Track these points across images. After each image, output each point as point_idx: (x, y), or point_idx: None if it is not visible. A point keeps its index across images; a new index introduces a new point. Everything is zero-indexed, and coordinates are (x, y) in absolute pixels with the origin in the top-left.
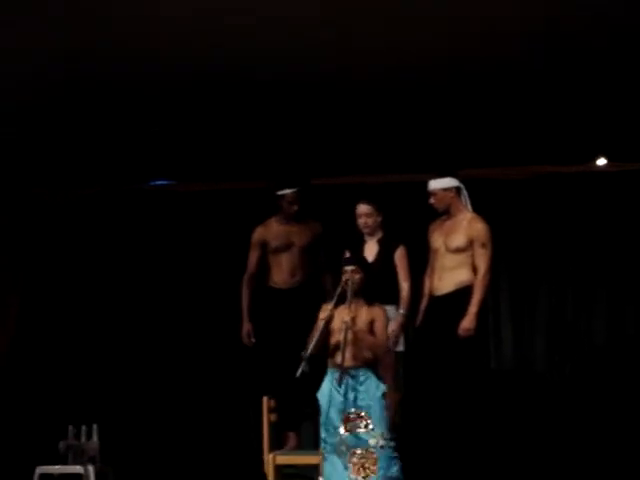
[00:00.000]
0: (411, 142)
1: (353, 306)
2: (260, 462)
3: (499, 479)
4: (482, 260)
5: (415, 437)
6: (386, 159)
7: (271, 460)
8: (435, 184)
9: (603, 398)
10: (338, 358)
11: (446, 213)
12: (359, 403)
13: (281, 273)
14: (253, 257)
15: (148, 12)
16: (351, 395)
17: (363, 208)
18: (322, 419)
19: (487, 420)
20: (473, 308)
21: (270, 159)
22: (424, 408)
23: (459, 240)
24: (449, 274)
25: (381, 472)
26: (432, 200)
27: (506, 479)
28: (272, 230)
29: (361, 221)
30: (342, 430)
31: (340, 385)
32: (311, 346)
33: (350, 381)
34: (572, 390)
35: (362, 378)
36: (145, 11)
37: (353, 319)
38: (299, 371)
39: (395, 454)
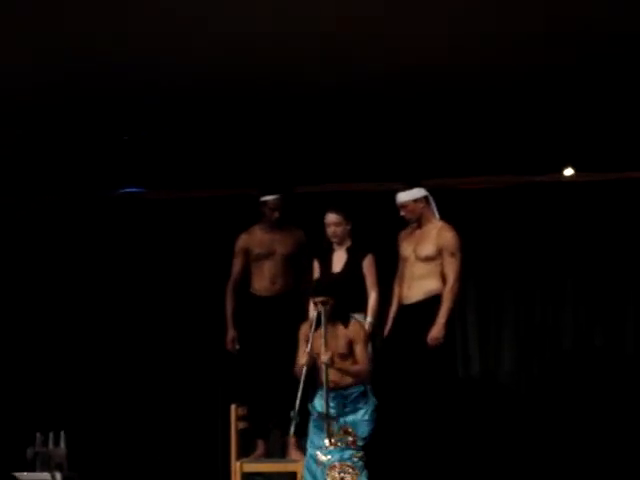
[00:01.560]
0: (381, 151)
1: (329, 335)
2: (228, 470)
3: None
4: (451, 269)
5: (383, 445)
6: (355, 168)
7: (238, 468)
8: (405, 196)
9: (571, 406)
10: (324, 383)
11: (416, 222)
12: (347, 419)
13: (262, 280)
14: (237, 264)
15: (130, 16)
16: (339, 410)
17: (332, 217)
18: (310, 429)
19: (455, 428)
20: (442, 318)
21: (243, 166)
22: (392, 416)
23: (428, 249)
24: (418, 283)
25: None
26: (403, 212)
27: None
28: (255, 238)
29: (330, 230)
30: (327, 443)
31: (327, 402)
32: (298, 403)
33: (339, 398)
34: (539, 398)
35: (352, 395)
36: (127, 16)
37: (331, 358)
38: (291, 429)
39: (362, 463)
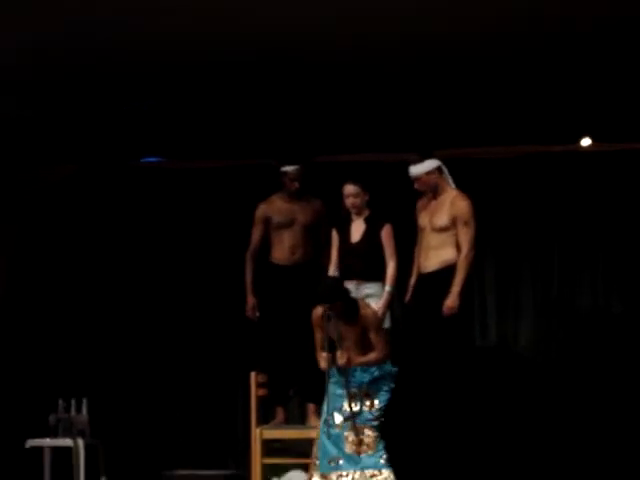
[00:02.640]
0: (398, 122)
1: (342, 332)
2: (248, 436)
3: (484, 457)
4: (465, 238)
5: (399, 414)
6: (371, 139)
7: (258, 435)
8: (417, 169)
9: (588, 376)
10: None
11: (432, 193)
12: (365, 382)
13: (282, 250)
14: (256, 233)
15: None
16: (360, 377)
17: (350, 188)
18: (328, 392)
19: (471, 397)
20: (456, 287)
21: (262, 136)
22: (409, 385)
23: (442, 219)
24: (434, 253)
25: (379, 448)
26: (417, 185)
27: (491, 456)
28: (275, 207)
29: (348, 201)
30: (345, 406)
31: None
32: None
33: (360, 370)
34: (557, 367)
35: (371, 369)
36: None
37: (348, 360)
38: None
39: (378, 432)
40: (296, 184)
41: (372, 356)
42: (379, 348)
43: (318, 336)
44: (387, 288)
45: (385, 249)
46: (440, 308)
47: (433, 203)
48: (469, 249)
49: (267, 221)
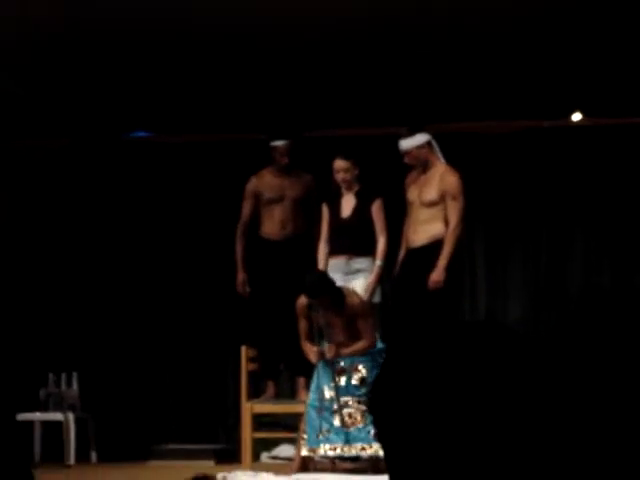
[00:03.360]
0: (387, 96)
1: (330, 323)
2: (238, 411)
3: (473, 432)
4: (453, 213)
5: (386, 391)
6: (361, 113)
7: (248, 409)
8: (407, 143)
9: (579, 349)
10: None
11: (421, 167)
12: (356, 362)
13: (272, 224)
14: (247, 208)
15: None
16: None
17: (340, 163)
18: (318, 366)
19: (462, 372)
20: (442, 261)
21: (251, 111)
22: (397, 361)
23: (431, 194)
24: (423, 227)
25: (368, 422)
26: (407, 159)
27: (480, 432)
28: (265, 181)
29: (339, 176)
30: (336, 379)
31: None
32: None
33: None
34: (546, 342)
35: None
36: None
37: (337, 353)
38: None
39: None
40: (286, 159)
41: (360, 344)
42: (367, 336)
43: (302, 325)
44: (378, 262)
45: (375, 224)
46: (428, 278)
47: (422, 177)
48: (457, 224)
49: (257, 196)
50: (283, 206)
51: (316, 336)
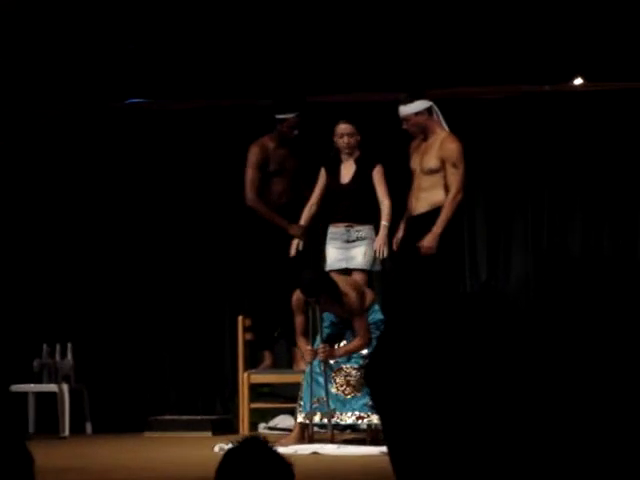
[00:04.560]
0: (387, 61)
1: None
2: (235, 381)
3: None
4: (453, 180)
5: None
6: (364, 78)
7: (246, 379)
8: (406, 110)
9: (579, 315)
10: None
11: (422, 134)
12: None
13: (270, 195)
14: (255, 175)
15: None
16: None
17: (344, 127)
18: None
19: (462, 341)
20: (437, 228)
21: (247, 76)
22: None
23: (432, 162)
24: (425, 195)
25: (365, 391)
26: (405, 126)
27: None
28: (270, 152)
29: (342, 140)
30: (336, 347)
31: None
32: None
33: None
34: (548, 308)
35: None
36: None
37: (331, 353)
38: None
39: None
40: (296, 131)
41: (354, 344)
42: (361, 334)
43: (299, 320)
44: (384, 223)
45: (377, 188)
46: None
47: (423, 145)
48: (457, 191)
49: (263, 166)
50: (282, 177)
51: (321, 336)
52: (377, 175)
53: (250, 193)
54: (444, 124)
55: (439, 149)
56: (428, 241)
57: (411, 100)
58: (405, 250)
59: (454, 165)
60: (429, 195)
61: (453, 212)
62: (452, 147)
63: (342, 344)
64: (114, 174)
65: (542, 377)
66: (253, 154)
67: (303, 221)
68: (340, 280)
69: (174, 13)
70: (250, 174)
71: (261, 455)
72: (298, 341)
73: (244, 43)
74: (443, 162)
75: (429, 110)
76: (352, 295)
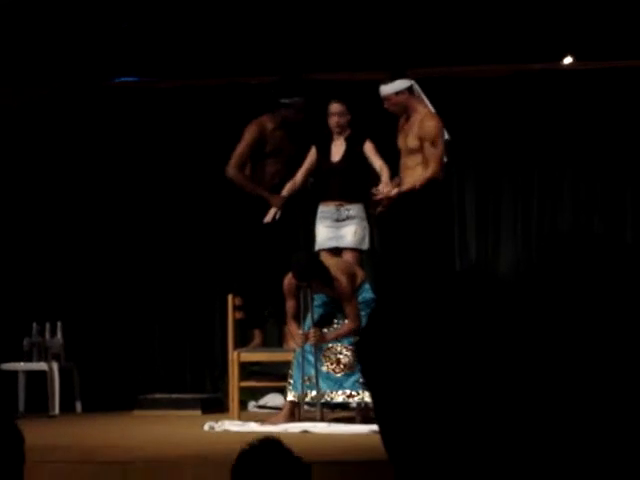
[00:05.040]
0: (372, 40)
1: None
2: (225, 360)
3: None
4: (432, 157)
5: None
6: (347, 58)
7: (235, 357)
8: (386, 89)
9: (570, 299)
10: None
11: (405, 114)
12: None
13: (264, 175)
14: (246, 149)
15: None
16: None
17: (336, 107)
18: (311, 314)
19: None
20: (396, 188)
21: (236, 53)
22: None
23: (412, 141)
24: (409, 173)
25: (356, 369)
26: (386, 105)
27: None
28: (268, 132)
29: (333, 120)
30: (325, 329)
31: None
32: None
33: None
34: (538, 291)
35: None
36: None
37: (322, 336)
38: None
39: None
40: (302, 115)
41: (345, 328)
42: (352, 318)
43: (290, 304)
44: (394, 191)
45: (373, 160)
46: (418, 227)
47: (407, 124)
48: (434, 169)
49: (259, 145)
50: (278, 159)
51: (312, 318)
52: (369, 149)
53: (232, 164)
54: (427, 102)
55: (418, 128)
56: (384, 186)
57: (392, 79)
58: (394, 228)
59: (433, 143)
60: (413, 174)
61: (420, 186)
62: (430, 124)
63: (334, 326)
64: (104, 155)
65: (533, 353)
66: (249, 132)
67: (285, 192)
68: (331, 264)
69: None
70: (239, 148)
71: (277, 456)
72: (289, 325)
73: (235, 22)
74: (422, 140)
75: (409, 89)
76: (343, 280)
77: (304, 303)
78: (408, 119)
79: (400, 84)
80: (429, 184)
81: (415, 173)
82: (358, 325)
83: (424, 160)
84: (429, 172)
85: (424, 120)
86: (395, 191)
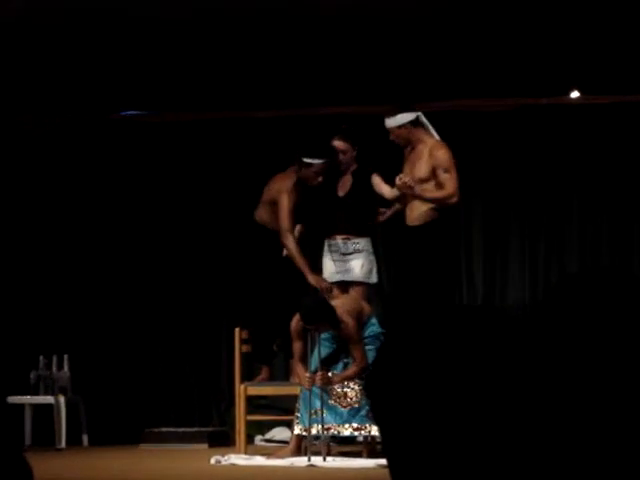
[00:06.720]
0: (384, 73)
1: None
2: (232, 393)
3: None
4: (449, 183)
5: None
6: (354, 92)
7: (242, 391)
8: (389, 122)
9: (577, 330)
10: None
11: (409, 145)
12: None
13: (275, 218)
14: (292, 216)
15: None
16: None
17: (338, 144)
18: (318, 347)
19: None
20: (423, 192)
21: (243, 87)
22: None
23: (421, 170)
24: (418, 204)
25: (364, 403)
26: (391, 137)
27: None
28: (296, 194)
29: (338, 157)
30: (332, 368)
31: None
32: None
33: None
34: (545, 323)
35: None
36: None
37: (329, 380)
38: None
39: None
40: (320, 179)
41: (352, 369)
42: (358, 360)
43: (297, 346)
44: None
45: (381, 189)
46: (425, 262)
47: (412, 155)
48: (450, 191)
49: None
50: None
51: (317, 361)
52: (376, 182)
53: (289, 233)
54: (433, 132)
55: (429, 157)
56: (408, 175)
57: (395, 113)
58: (402, 261)
59: (446, 170)
60: (423, 204)
61: (434, 201)
62: (441, 153)
63: (340, 363)
64: (112, 186)
65: (541, 392)
66: (289, 200)
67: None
68: (338, 305)
69: (170, 26)
70: (286, 217)
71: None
72: (296, 366)
73: (241, 55)
74: (434, 170)
75: (414, 122)
76: (349, 322)
77: (311, 345)
78: (413, 149)
79: (402, 118)
80: (442, 208)
81: (426, 205)
82: (364, 367)
83: (437, 187)
84: (448, 197)
85: (433, 150)
86: (414, 184)
